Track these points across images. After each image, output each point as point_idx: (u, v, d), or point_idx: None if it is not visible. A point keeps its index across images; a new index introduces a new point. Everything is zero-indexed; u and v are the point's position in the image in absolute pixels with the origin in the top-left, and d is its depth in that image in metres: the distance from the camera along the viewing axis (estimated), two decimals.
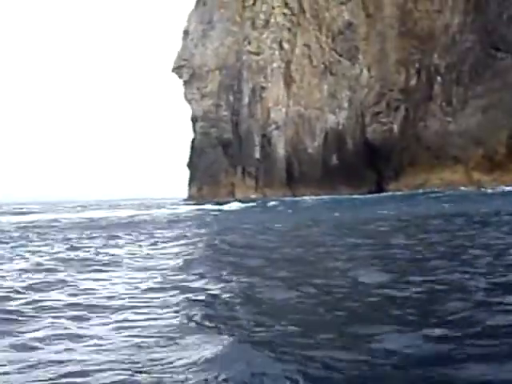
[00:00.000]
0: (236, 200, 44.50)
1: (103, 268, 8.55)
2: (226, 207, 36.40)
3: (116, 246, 12.44)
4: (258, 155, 58.31)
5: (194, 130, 66.95)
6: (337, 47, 54.19)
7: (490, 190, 37.35)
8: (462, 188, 40.47)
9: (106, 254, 10.51)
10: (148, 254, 10.38)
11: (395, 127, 50.01)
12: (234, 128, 62.17)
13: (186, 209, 38.56)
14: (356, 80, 52.67)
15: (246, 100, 61.27)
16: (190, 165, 66.34)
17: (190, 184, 66.76)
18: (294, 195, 50.94)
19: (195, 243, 12.49)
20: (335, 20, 54.46)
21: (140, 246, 12.29)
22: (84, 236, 15.67)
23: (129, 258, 9.80)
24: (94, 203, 74.97)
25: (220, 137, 62.81)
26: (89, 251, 11.05)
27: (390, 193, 45.19)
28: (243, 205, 37.78)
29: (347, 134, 52.84)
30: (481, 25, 46.69)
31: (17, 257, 10.35)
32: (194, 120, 66.85)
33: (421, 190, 42.92)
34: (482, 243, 9.52)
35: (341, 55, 53.87)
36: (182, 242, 13.05)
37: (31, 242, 14.05)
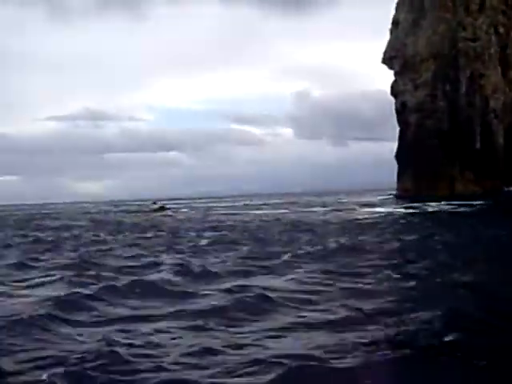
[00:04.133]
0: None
1: None
2: None
3: None
4: (478, 146, 57.67)
5: (401, 122, 66.98)
6: None
7: None
8: None
9: None
10: None
11: None
12: (450, 118, 61.86)
13: None
14: None
15: (463, 89, 60.58)
16: (399, 157, 66.20)
17: (399, 177, 66.37)
18: None
19: None
20: None
21: None
22: None
23: None
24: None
25: (436, 128, 62.89)
26: None
27: None
28: None
29: None
30: None
31: None
32: (401, 111, 67.21)
33: None
34: None
35: None
36: None
37: None
